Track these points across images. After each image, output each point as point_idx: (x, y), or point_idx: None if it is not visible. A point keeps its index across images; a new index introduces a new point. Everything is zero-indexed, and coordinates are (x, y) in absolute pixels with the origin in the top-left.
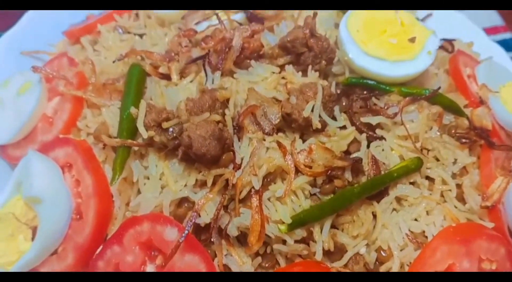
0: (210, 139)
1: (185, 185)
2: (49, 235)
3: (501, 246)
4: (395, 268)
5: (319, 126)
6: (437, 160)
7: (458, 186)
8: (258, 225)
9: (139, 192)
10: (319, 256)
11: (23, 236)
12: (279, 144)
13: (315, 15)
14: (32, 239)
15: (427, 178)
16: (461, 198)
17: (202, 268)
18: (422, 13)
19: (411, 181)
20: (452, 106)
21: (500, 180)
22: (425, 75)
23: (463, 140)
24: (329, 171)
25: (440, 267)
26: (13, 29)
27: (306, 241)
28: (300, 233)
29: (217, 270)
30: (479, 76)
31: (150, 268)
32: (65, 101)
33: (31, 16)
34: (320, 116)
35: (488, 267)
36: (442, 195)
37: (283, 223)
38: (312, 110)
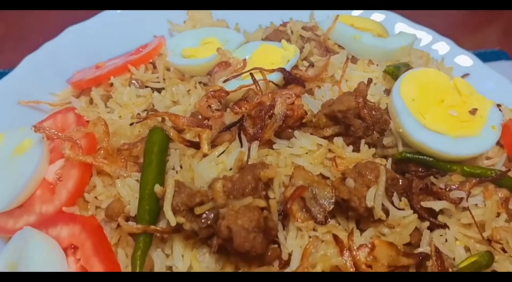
0: (254, 232)
1: None
2: None
3: None
4: None
5: (384, 217)
6: (504, 251)
7: None
8: None
9: None
10: None
11: None
12: (336, 238)
13: (369, 82)
14: None
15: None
16: None
17: None
18: (456, 72)
19: None
20: None
21: None
22: None
23: None
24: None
25: None
26: (10, 74)
27: None
28: None
29: None
30: None
31: None
32: (70, 166)
33: (30, 61)
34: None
35: None
36: None
37: None
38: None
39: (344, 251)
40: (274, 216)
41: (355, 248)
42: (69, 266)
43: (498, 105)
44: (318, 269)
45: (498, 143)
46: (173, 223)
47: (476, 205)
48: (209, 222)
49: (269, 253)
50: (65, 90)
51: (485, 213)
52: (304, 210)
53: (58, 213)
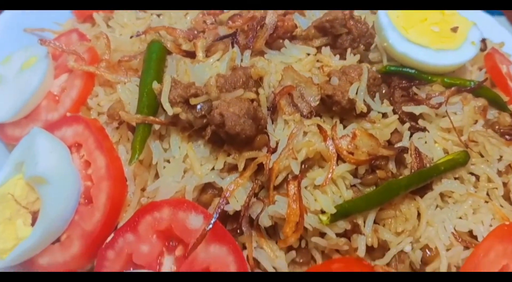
0: (244, 117)
1: (212, 169)
2: (53, 220)
3: None
4: (443, 269)
5: (365, 109)
6: (481, 156)
7: (504, 184)
8: (295, 215)
9: (156, 176)
10: (362, 252)
11: (22, 220)
12: (320, 128)
13: None
14: (32, 224)
15: (471, 174)
16: (507, 197)
17: (230, 260)
18: None
19: (456, 176)
20: (496, 100)
21: None
22: (461, 71)
23: (508, 137)
24: (373, 160)
25: (494, 268)
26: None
27: (346, 235)
28: (343, 225)
29: (247, 263)
30: None
31: (168, 260)
32: (74, 77)
33: None
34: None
35: None
36: (487, 193)
37: (324, 213)
38: (356, 93)
39: (328, 140)
40: (263, 109)
41: (337, 137)
42: (74, 162)
43: (483, 39)
44: (303, 153)
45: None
46: (170, 112)
47: (455, 113)
48: (203, 112)
49: (257, 139)
50: (70, 20)
51: (463, 118)
52: (291, 105)
53: (63, 117)
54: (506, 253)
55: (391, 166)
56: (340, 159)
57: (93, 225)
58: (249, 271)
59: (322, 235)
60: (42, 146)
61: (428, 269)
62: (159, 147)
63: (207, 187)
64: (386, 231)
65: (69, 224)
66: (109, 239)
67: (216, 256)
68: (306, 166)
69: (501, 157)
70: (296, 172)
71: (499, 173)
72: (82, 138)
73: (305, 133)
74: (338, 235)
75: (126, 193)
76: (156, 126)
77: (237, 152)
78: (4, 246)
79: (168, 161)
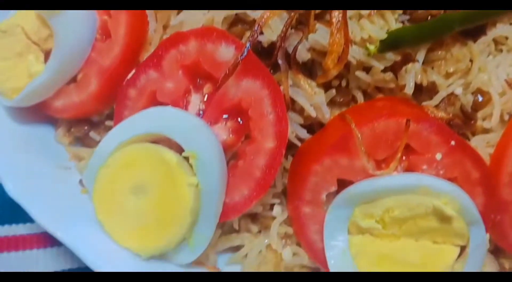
0: None
1: None
2: (67, 54)
3: None
4: (496, 115)
5: None
6: None
7: None
8: (339, 45)
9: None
10: (410, 90)
11: (33, 56)
12: None
13: None
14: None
15: None
16: None
17: (264, 94)
18: None
19: None
20: None
21: None
22: None
23: None
24: None
25: None
26: None
27: (394, 72)
28: (392, 57)
29: (283, 100)
30: None
31: (195, 97)
32: None
33: None
34: None
35: None
36: None
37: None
38: None
39: None
40: None
41: None
42: None
43: None
44: None
45: None
46: None
47: None
48: None
49: None
50: None
51: None
52: None
53: None
54: None
55: None
56: None
57: (111, 60)
58: (285, 108)
59: (367, 71)
60: None
61: (480, 114)
62: None
63: (237, 21)
64: (435, 73)
65: (85, 61)
66: (130, 75)
67: (249, 90)
68: None
69: None
70: None
71: None
72: None
73: None
74: (384, 70)
75: (147, 29)
76: None
77: None
78: (15, 85)
79: None
